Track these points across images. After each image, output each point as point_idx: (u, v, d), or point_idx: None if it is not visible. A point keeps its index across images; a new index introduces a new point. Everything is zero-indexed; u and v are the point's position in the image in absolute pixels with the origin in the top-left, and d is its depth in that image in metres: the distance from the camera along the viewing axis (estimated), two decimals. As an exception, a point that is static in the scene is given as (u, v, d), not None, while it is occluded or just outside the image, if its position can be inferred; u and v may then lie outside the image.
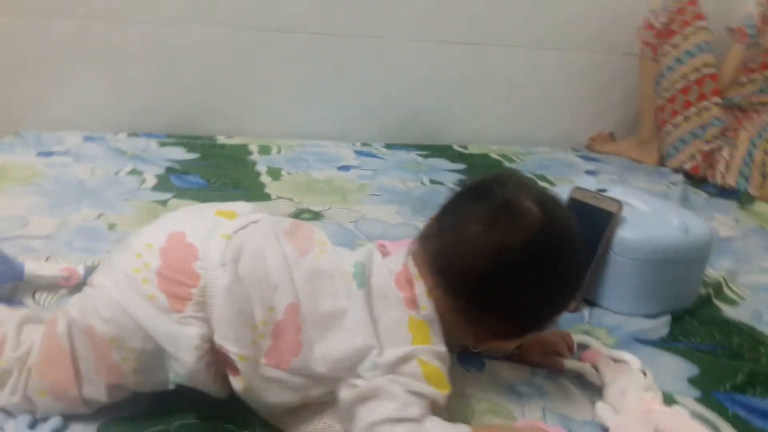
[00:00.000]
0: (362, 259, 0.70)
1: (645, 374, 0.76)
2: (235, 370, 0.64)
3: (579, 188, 1.08)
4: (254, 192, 1.42)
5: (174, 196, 1.34)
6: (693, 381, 0.85)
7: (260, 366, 0.64)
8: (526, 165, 1.90)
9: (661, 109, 1.97)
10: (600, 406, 0.74)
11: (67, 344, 0.63)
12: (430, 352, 0.66)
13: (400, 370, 0.64)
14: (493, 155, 1.98)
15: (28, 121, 1.73)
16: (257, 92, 1.93)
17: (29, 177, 1.37)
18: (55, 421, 0.65)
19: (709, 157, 1.89)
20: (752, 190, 1.78)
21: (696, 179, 1.90)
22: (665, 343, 0.94)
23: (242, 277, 0.64)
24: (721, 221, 1.53)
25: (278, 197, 1.41)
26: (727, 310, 1.07)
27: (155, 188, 1.39)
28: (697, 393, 0.82)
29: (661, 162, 2.03)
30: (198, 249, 0.64)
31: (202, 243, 0.65)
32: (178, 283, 0.63)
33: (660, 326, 0.98)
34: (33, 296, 0.90)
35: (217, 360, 0.65)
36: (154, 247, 0.65)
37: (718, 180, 1.85)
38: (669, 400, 0.79)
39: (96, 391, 0.64)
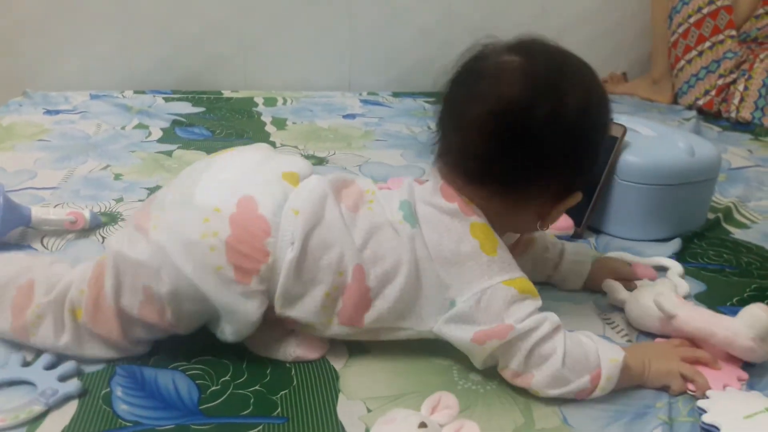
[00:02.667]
0: (405, 196, 0.68)
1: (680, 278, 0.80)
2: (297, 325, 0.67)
3: (582, 115, 1.06)
4: (259, 141, 1.42)
5: (179, 147, 1.35)
6: (699, 297, 0.84)
7: (332, 326, 0.65)
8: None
9: (674, 46, 1.92)
10: (665, 299, 0.72)
11: (113, 302, 0.62)
12: (502, 264, 0.64)
13: (495, 306, 0.62)
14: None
15: (36, 81, 1.75)
16: (264, 46, 1.92)
17: (37, 134, 1.39)
18: (70, 365, 0.64)
19: (724, 92, 1.85)
20: (767, 122, 1.74)
21: (710, 115, 1.86)
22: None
23: (311, 251, 0.63)
24: (734, 153, 1.50)
25: (282, 145, 1.41)
26: (738, 233, 1.05)
27: (161, 140, 1.40)
28: (703, 307, 0.81)
29: (675, 100, 1.99)
30: (270, 225, 0.62)
31: (273, 218, 0.63)
32: (248, 257, 0.61)
33: (667, 249, 0.97)
34: (41, 241, 0.92)
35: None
36: (223, 212, 0.61)
37: (733, 113, 1.81)
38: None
39: (143, 334, 0.65)
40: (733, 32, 1.84)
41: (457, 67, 0.67)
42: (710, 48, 1.85)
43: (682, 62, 1.91)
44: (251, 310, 0.62)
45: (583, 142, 0.66)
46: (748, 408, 0.61)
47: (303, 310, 0.64)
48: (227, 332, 0.64)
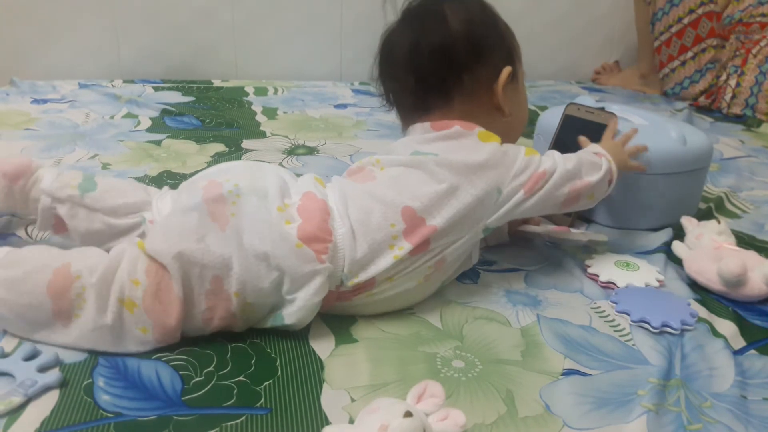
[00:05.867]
0: (411, 149, 0.77)
1: (719, 222, 0.90)
2: (371, 287, 0.70)
3: (573, 104, 1.05)
4: (249, 130, 1.41)
5: (168, 137, 1.33)
6: (690, 286, 0.84)
7: (410, 267, 0.70)
8: (528, 98, 1.85)
9: (658, 51, 1.91)
10: (676, 243, 0.90)
11: (181, 291, 0.63)
12: (513, 147, 0.79)
13: (529, 170, 0.76)
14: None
15: (23, 70, 1.73)
16: (254, 35, 1.90)
17: (24, 123, 1.37)
18: (49, 355, 0.63)
19: (713, 93, 1.83)
20: (759, 117, 1.72)
21: (701, 108, 1.85)
22: (663, 252, 0.92)
23: (356, 221, 0.69)
24: (726, 143, 1.50)
25: (272, 134, 1.40)
26: (729, 223, 1.05)
27: (149, 129, 1.38)
28: (696, 296, 0.81)
29: (665, 94, 1.98)
30: (329, 206, 0.70)
31: (328, 201, 0.71)
32: (318, 238, 0.66)
33: (659, 238, 0.96)
34: (26, 230, 0.90)
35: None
36: (292, 206, 0.69)
37: (724, 110, 1.80)
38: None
39: (193, 328, 0.66)
40: (715, 41, 1.82)
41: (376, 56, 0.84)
42: (692, 58, 1.84)
43: (666, 69, 1.90)
44: (322, 289, 0.66)
45: (475, 30, 0.80)
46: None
47: (378, 268, 0.68)
48: (287, 314, 0.66)
